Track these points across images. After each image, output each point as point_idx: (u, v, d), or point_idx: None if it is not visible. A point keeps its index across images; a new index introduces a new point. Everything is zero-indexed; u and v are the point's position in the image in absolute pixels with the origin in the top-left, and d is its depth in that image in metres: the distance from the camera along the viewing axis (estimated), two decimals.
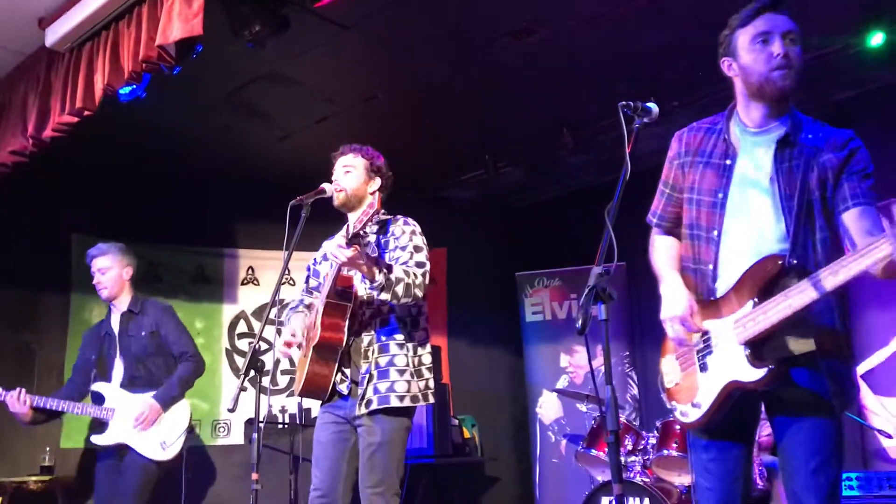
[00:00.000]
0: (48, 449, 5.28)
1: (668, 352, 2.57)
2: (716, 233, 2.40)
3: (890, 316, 5.16)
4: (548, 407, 6.75)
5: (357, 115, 5.30)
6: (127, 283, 4.57)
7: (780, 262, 2.23)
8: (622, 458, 4.67)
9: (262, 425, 2.97)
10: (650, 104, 2.44)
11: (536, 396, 6.82)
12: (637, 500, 4.39)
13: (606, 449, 4.73)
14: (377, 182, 3.42)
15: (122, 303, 4.55)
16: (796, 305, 2.15)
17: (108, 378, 4.48)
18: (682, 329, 2.39)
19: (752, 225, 2.35)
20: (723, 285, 2.38)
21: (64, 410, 4.40)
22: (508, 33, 4.45)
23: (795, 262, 2.22)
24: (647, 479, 4.46)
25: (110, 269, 4.51)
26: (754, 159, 2.40)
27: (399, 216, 3.37)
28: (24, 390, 4.33)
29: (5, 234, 5.49)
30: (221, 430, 6.12)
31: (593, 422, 5.08)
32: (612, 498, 4.52)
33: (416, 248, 3.25)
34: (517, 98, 5.29)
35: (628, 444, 4.74)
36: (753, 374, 2.23)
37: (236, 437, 6.13)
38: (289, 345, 3.26)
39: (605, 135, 5.57)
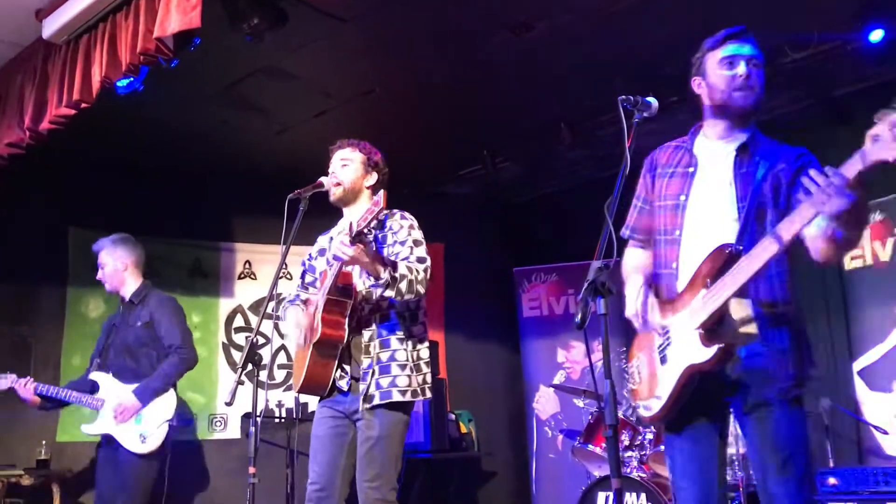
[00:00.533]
0: (44, 442, 5.27)
1: (634, 355, 2.67)
2: (678, 233, 2.54)
3: (886, 312, 5.17)
4: (544, 402, 6.76)
5: (355, 110, 5.28)
6: (126, 275, 4.57)
7: (728, 251, 2.36)
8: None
9: (259, 419, 2.97)
10: (650, 98, 2.51)
11: (533, 391, 6.83)
12: (634, 495, 4.40)
13: (604, 444, 4.74)
14: (373, 177, 3.41)
15: (126, 293, 4.58)
16: (740, 280, 2.26)
17: (106, 368, 4.50)
18: (643, 325, 2.51)
19: (712, 225, 2.49)
20: (683, 282, 2.50)
21: (61, 398, 4.43)
22: (507, 28, 4.44)
23: (741, 248, 2.35)
24: (643, 475, 4.47)
25: (107, 265, 4.54)
26: (715, 165, 2.56)
27: (396, 210, 3.36)
28: (30, 379, 4.43)
29: (2, 227, 5.48)
30: (218, 424, 6.11)
31: (590, 417, 5.08)
32: (608, 493, 4.53)
33: (416, 243, 3.24)
34: (515, 93, 5.28)
35: (625, 439, 4.73)
36: (705, 354, 2.32)
37: (233, 431, 6.13)
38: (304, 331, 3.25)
39: (603, 130, 5.57)
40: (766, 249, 2.24)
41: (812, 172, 2.10)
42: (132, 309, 4.55)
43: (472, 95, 5.30)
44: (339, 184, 3.33)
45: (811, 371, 2.43)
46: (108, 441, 4.40)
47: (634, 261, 2.76)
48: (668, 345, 2.48)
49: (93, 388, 4.49)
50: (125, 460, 4.31)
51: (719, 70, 2.53)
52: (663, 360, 2.49)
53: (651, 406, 2.51)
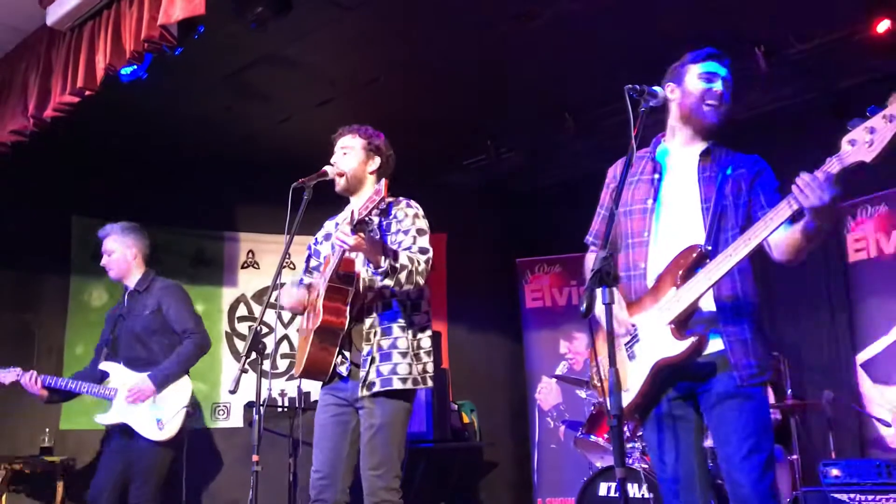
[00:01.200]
0: (48, 430, 5.30)
1: (600, 353, 2.75)
2: (646, 234, 2.64)
3: (890, 305, 5.16)
4: (547, 393, 6.77)
5: (358, 98, 5.27)
6: (134, 264, 4.54)
7: (698, 250, 2.47)
8: None
9: (262, 408, 2.98)
10: (656, 88, 2.56)
11: (535, 382, 6.84)
12: (635, 486, 4.41)
13: (606, 434, 4.75)
14: (376, 161, 3.39)
15: (131, 283, 4.55)
16: (714, 277, 2.37)
17: (117, 357, 4.48)
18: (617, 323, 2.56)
19: (679, 226, 2.60)
20: (651, 281, 2.59)
21: (71, 390, 4.41)
22: (511, 16, 4.43)
23: (710, 247, 2.47)
24: (645, 466, 4.48)
25: (114, 251, 4.50)
26: (680, 170, 2.68)
27: (402, 198, 3.35)
28: (34, 373, 4.39)
29: (6, 215, 5.48)
30: (221, 412, 6.13)
31: (592, 408, 5.09)
32: (610, 483, 4.54)
33: (420, 232, 3.23)
34: (519, 82, 5.26)
35: (626, 430, 4.74)
36: (677, 347, 2.42)
37: (236, 420, 6.14)
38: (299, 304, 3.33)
39: (607, 120, 5.54)
40: (739, 249, 2.34)
41: (803, 174, 2.21)
42: (138, 298, 4.52)
43: (476, 84, 5.28)
44: (342, 174, 3.32)
45: (771, 359, 2.55)
46: (122, 431, 4.35)
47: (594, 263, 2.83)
48: (635, 342, 2.57)
49: (102, 377, 4.48)
50: (142, 447, 4.28)
51: (697, 81, 2.66)
52: (631, 357, 2.58)
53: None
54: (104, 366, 4.48)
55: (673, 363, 2.44)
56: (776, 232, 2.33)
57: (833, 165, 2.17)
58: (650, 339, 2.51)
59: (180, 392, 4.41)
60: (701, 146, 2.69)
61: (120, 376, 4.41)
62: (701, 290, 2.39)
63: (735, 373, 2.44)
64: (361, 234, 2.92)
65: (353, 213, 2.95)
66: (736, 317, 2.48)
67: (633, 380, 2.55)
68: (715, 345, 2.48)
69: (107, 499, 4.27)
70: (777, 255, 2.48)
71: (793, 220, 2.32)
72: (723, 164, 2.63)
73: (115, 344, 4.52)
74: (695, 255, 2.46)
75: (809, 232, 2.34)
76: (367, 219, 2.91)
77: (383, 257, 2.98)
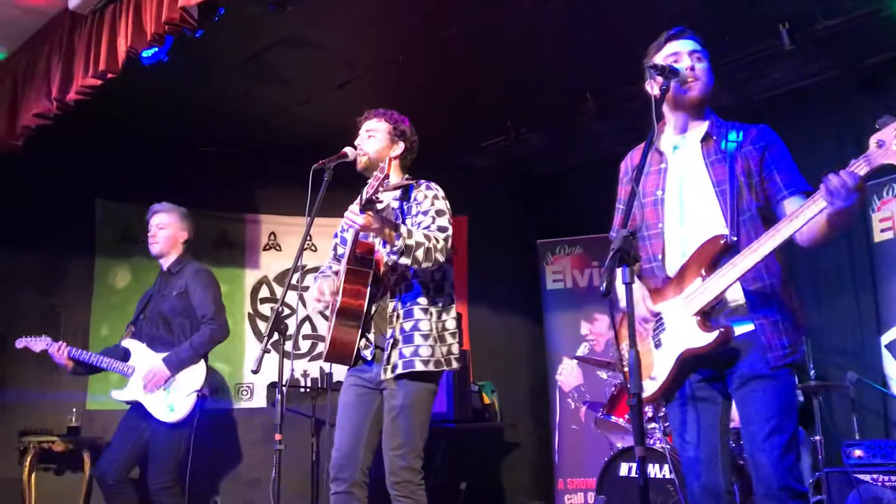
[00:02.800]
0: (74, 410, 5.38)
1: (624, 338, 2.70)
2: (661, 225, 2.63)
3: None
4: (567, 374, 6.77)
5: (378, 80, 5.26)
6: (179, 245, 4.66)
7: (722, 241, 2.45)
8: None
9: (284, 388, 3.00)
10: (677, 66, 2.47)
11: (556, 363, 6.84)
12: (657, 466, 4.41)
13: (627, 415, 4.75)
14: (400, 146, 3.40)
15: (166, 263, 4.65)
16: (743, 269, 2.35)
17: (140, 336, 4.58)
18: (644, 308, 2.58)
19: (692, 213, 2.58)
20: (671, 270, 2.58)
21: (93, 363, 4.51)
22: None
23: (735, 238, 2.45)
24: (666, 446, 4.47)
25: (167, 228, 4.62)
26: (685, 157, 2.66)
27: (422, 181, 3.35)
28: (63, 343, 4.53)
29: (31, 197, 5.55)
30: (244, 393, 6.19)
31: (613, 389, 5.08)
32: (631, 464, 4.54)
33: (439, 212, 3.23)
34: (540, 63, 5.22)
35: (648, 411, 4.73)
36: (704, 339, 2.41)
37: (259, 400, 6.20)
38: (317, 300, 3.31)
39: (628, 102, 5.50)
40: (765, 243, 2.32)
41: (832, 177, 2.15)
42: (169, 278, 4.62)
43: (496, 65, 5.25)
44: (364, 154, 3.34)
45: (801, 338, 2.52)
46: (137, 408, 4.46)
47: None
48: (662, 330, 2.57)
49: (125, 355, 4.55)
50: (155, 429, 4.38)
51: None
52: (658, 345, 2.57)
53: (646, 387, 2.57)
54: (127, 343, 4.59)
55: (699, 354, 2.45)
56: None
57: (861, 167, 2.13)
58: (675, 329, 2.51)
59: (193, 376, 4.49)
60: (700, 130, 2.65)
61: (140, 355, 4.51)
62: (729, 282, 2.38)
63: (769, 354, 2.42)
64: (370, 213, 2.92)
65: (362, 193, 2.96)
66: (764, 302, 2.47)
67: (660, 368, 2.55)
68: (742, 329, 2.46)
69: (116, 470, 4.37)
70: (800, 241, 2.45)
71: None
72: (727, 145, 2.59)
73: (141, 322, 4.62)
74: (720, 245, 2.45)
75: (833, 226, 2.32)
76: (374, 197, 2.91)
77: (395, 235, 2.98)
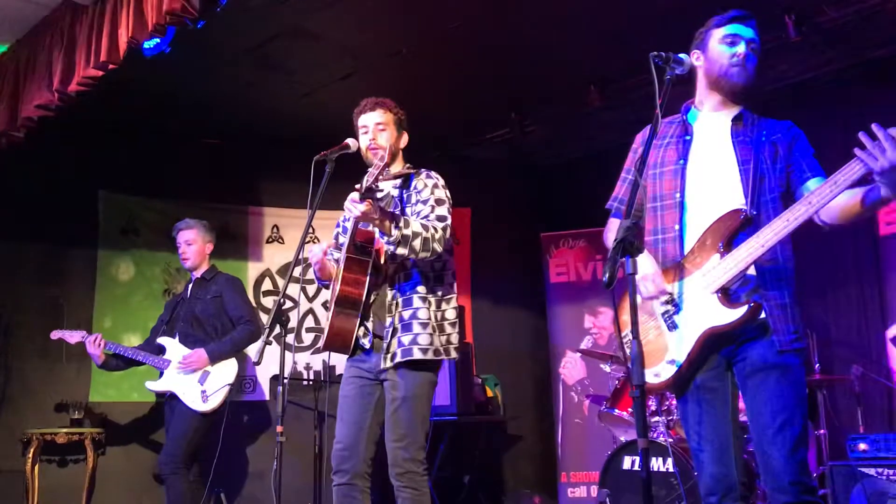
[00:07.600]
0: (78, 402, 5.38)
1: (626, 324, 2.64)
2: (678, 195, 2.58)
3: None
4: (571, 367, 6.76)
5: (381, 72, 5.24)
6: (206, 255, 5.04)
7: (742, 216, 2.42)
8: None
9: (286, 381, 3.00)
10: (682, 55, 2.49)
11: (559, 357, 6.83)
12: (660, 460, 4.40)
13: (630, 408, 4.74)
14: (405, 136, 3.39)
15: (199, 272, 5.03)
16: (769, 244, 2.33)
17: (172, 334, 4.92)
18: (654, 287, 2.50)
19: (714, 188, 2.54)
20: (690, 244, 2.53)
21: (131, 357, 4.85)
22: None
23: (755, 213, 2.44)
24: (670, 440, 4.46)
25: (194, 242, 4.97)
26: (712, 133, 2.63)
27: (423, 170, 3.33)
28: (100, 336, 4.83)
29: (34, 190, 5.55)
30: (247, 385, 6.18)
31: (617, 382, 5.07)
32: (634, 457, 4.53)
33: (438, 202, 3.20)
34: (544, 55, 5.19)
35: (652, 404, 4.72)
36: (730, 315, 2.38)
37: (262, 392, 6.20)
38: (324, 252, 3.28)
39: (633, 93, 5.47)
40: (800, 214, 2.29)
41: (873, 127, 2.12)
42: (203, 284, 5.00)
43: (500, 57, 5.22)
44: (383, 149, 3.15)
45: (805, 326, 2.52)
46: (170, 399, 4.80)
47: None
48: (676, 311, 2.50)
49: (159, 350, 4.90)
50: (180, 412, 4.70)
51: (720, 45, 2.60)
52: (672, 327, 2.51)
53: (661, 373, 2.51)
54: (162, 339, 4.94)
55: (724, 331, 2.41)
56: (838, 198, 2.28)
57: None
58: (695, 308, 2.46)
59: (228, 370, 4.88)
60: (733, 111, 2.63)
61: (175, 350, 4.85)
62: (754, 257, 2.36)
63: (775, 337, 2.39)
64: (369, 202, 2.90)
65: (361, 181, 2.93)
66: (776, 282, 2.45)
67: (679, 349, 2.48)
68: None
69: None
70: (824, 218, 2.42)
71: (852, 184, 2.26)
72: (757, 128, 2.58)
73: (172, 323, 4.99)
74: (738, 220, 2.41)
75: (873, 201, 2.29)
76: (374, 186, 2.88)
77: (392, 225, 2.96)
